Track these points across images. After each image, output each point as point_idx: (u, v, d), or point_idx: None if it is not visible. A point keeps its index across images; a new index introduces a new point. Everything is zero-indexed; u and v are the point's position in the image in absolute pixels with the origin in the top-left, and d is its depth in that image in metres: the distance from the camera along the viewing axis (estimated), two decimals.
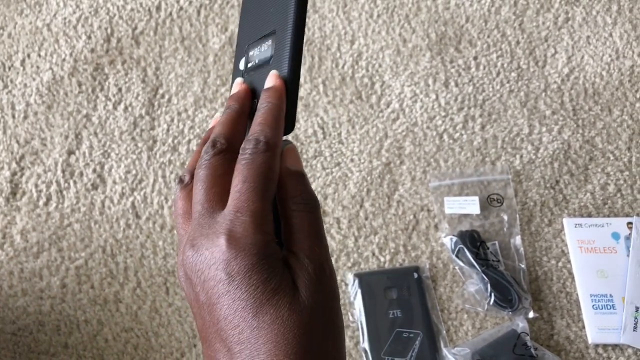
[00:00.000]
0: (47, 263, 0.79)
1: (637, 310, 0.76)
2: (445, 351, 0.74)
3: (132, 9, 0.98)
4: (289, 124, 0.38)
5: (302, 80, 0.91)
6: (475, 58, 0.94)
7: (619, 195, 0.84)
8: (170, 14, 0.97)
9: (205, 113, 0.89)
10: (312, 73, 0.92)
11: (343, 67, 0.93)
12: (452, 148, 0.87)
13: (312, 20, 0.96)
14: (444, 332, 0.76)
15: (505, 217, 0.82)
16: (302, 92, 0.90)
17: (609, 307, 0.77)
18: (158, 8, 0.98)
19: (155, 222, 0.82)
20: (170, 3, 0.98)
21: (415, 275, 0.78)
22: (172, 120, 0.89)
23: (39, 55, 0.94)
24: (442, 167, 0.86)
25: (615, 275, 0.79)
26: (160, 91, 0.91)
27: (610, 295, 0.78)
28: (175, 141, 0.87)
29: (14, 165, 0.86)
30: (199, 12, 0.97)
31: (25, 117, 0.89)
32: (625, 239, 0.81)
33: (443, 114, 0.90)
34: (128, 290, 0.78)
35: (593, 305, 0.77)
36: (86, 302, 0.77)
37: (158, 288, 0.78)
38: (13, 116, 0.89)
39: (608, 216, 0.83)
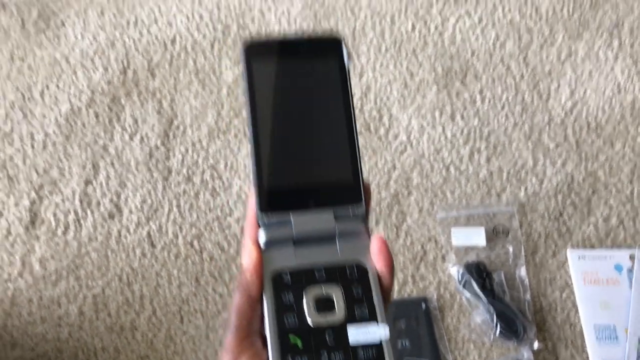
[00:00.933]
0: (65, 291, 0.82)
1: None
2: None
3: (147, 42, 1.01)
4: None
5: None
6: (480, 92, 0.97)
7: (621, 227, 0.87)
8: (185, 47, 1.00)
9: (219, 144, 0.92)
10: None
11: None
12: (458, 180, 0.90)
13: None
14: None
15: (511, 249, 0.84)
16: None
17: (612, 338, 0.79)
18: (173, 41, 1.01)
19: (170, 251, 0.84)
20: (184, 36, 1.01)
21: (423, 305, 0.80)
22: (187, 150, 0.91)
23: (58, 87, 0.97)
24: (448, 198, 0.88)
25: (618, 307, 0.81)
26: (175, 122, 0.94)
27: (614, 326, 0.80)
28: (190, 171, 0.90)
29: (33, 194, 0.88)
30: (212, 46, 1.00)
31: (44, 147, 0.92)
32: (628, 271, 0.83)
33: (449, 146, 0.92)
34: (144, 319, 0.80)
35: (597, 336, 0.79)
36: (103, 329, 0.79)
37: (173, 316, 0.80)
38: (32, 146, 0.92)
39: (611, 248, 0.85)
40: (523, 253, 0.84)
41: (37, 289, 0.82)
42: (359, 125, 0.94)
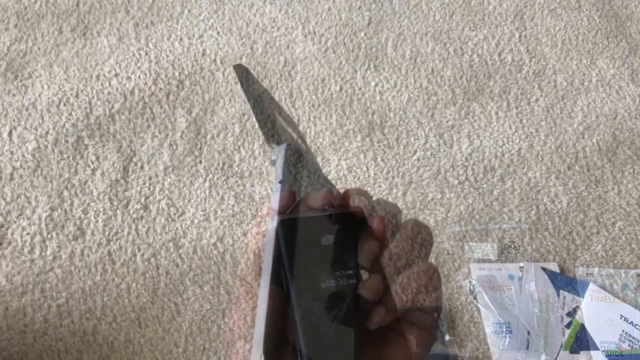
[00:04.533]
0: (30, 302, 0.90)
1: None
2: None
3: (109, 93, 1.14)
4: None
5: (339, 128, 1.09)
6: (396, 139, 1.15)
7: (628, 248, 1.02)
8: (143, 97, 1.14)
9: (173, 177, 1.05)
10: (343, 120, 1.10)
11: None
12: (473, 197, 1.05)
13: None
14: None
15: (521, 264, 0.95)
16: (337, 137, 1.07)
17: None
18: (132, 92, 1.15)
19: (129, 267, 0.94)
20: (142, 89, 1.16)
21: (435, 314, 0.90)
22: (145, 183, 1.03)
23: (25, 128, 1.08)
24: (462, 213, 1.03)
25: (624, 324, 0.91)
26: (134, 159, 1.06)
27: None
28: (147, 201, 1.02)
29: (0, 219, 0.97)
30: (167, 97, 1.15)
31: (11, 179, 1.02)
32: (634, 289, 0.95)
33: (466, 164, 1.09)
34: (105, 324, 0.89)
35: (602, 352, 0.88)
36: (67, 334, 0.87)
37: (132, 322, 0.89)
38: (0, 178, 1.02)
39: (614, 267, 0.98)
40: (533, 268, 0.95)
41: (3, 300, 0.90)
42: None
